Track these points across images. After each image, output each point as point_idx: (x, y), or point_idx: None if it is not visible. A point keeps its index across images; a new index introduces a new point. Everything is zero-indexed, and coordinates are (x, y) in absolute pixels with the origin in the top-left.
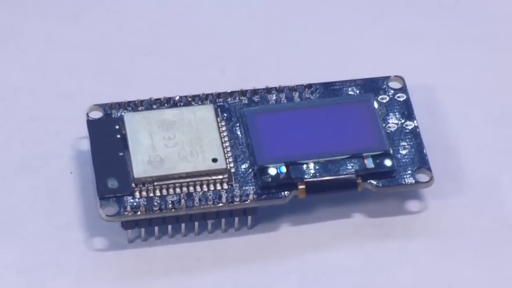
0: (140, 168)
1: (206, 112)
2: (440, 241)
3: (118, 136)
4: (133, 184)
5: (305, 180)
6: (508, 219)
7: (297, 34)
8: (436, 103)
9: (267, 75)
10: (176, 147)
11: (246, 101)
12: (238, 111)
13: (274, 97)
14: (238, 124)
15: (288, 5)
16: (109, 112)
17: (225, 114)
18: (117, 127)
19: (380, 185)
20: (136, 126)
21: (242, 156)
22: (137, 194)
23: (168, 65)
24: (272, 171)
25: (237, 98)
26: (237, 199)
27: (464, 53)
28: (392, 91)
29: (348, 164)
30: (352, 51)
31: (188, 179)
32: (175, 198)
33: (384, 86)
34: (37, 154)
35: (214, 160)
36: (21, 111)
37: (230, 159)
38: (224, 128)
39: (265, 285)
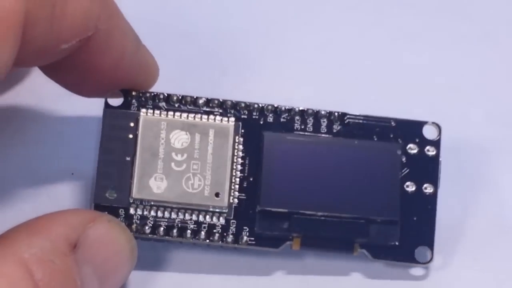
0: (141, 187)
1: (226, 133)
2: (440, 241)
3: (130, 136)
4: (130, 200)
5: (302, 234)
6: (508, 219)
7: (297, 34)
8: (436, 103)
9: (267, 76)
10: (184, 168)
11: (271, 119)
12: (259, 130)
13: (300, 122)
14: (253, 146)
15: (288, 5)
16: (129, 99)
17: (242, 130)
18: (131, 124)
19: (377, 257)
20: (150, 132)
21: (247, 188)
22: (131, 210)
23: (168, 65)
24: (272, 226)
25: (264, 112)
26: (229, 239)
27: (464, 53)
28: (423, 142)
29: (351, 227)
30: (352, 51)
31: (187, 206)
32: (168, 224)
33: (418, 133)
34: (38, 154)
35: (217, 194)
36: (22, 111)
37: (235, 193)
38: (240, 153)
39: (266, 285)
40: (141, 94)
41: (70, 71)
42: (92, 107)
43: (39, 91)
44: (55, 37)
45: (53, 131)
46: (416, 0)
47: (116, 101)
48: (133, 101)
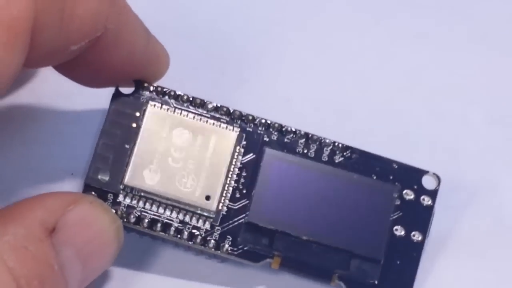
0: (134, 175)
1: (228, 141)
2: (440, 241)
3: (134, 125)
4: (121, 186)
5: (283, 254)
6: (508, 219)
7: (297, 34)
8: (436, 103)
9: (266, 76)
10: (180, 165)
11: (275, 137)
12: (261, 145)
13: (303, 145)
14: (252, 160)
15: (288, 5)
16: (140, 90)
17: (244, 142)
18: (137, 114)
19: None
20: (154, 125)
21: (238, 199)
22: (120, 197)
23: None
24: (255, 240)
25: (269, 129)
26: (211, 245)
27: (465, 53)
28: (421, 191)
29: (333, 256)
30: (352, 51)
31: (175, 203)
32: (154, 218)
33: (417, 181)
34: (38, 154)
35: (207, 197)
36: (22, 111)
37: (225, 201)
38: (238, 164)
39: (265, 284)
40: (152, 88)
41: (81, 68)
42: (92, 107)
43: (39, 91)
44: (64, 40)
45: (53, 131)
46: (416, 1)
47: (126, 89)
48: (144, 92)
